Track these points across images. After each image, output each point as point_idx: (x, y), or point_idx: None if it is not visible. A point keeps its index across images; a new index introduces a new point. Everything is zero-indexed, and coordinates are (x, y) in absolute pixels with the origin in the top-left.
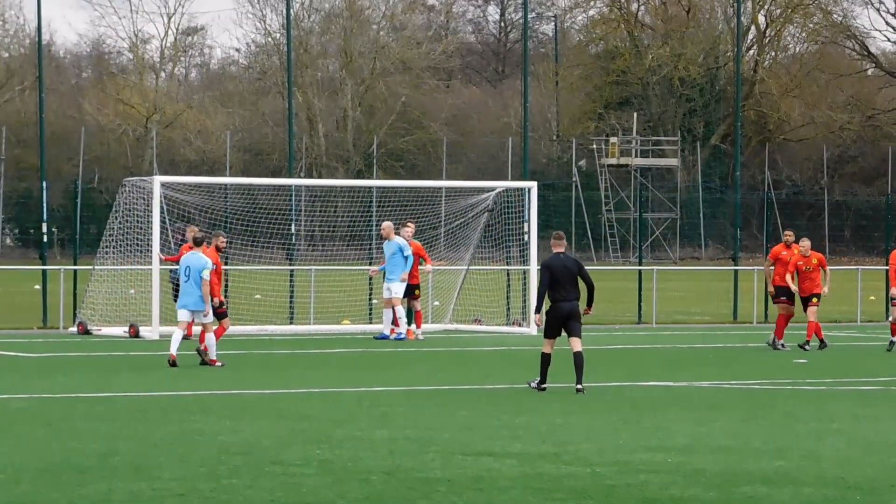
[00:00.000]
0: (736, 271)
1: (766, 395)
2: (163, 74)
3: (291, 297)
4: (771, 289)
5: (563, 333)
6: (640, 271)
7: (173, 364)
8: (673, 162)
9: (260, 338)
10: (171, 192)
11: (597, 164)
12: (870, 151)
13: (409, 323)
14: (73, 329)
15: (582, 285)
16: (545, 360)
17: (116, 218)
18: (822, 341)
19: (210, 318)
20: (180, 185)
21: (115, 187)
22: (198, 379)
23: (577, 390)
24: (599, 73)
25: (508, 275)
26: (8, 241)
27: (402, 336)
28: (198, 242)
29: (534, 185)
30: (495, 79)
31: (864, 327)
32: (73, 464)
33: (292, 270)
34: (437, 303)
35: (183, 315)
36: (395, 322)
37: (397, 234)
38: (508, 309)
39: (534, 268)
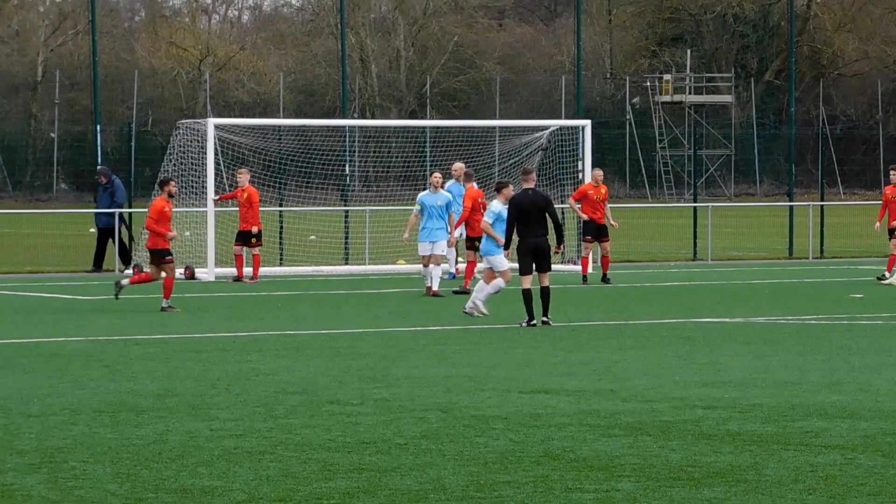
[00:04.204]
0: (791, 207)
1: (821, 329)
2: (215, 17)
3: (346, 237)
4: None
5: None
6: (694, 208)
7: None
8: (727, 98)
9: (315, 278)
10: (224, 134)
11: (650, 102)
12: None
13: None
14: (129, 272)
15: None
16: (526, 296)
17: (171, 160)
18: None
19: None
20: (234, 126)
21: (169, 130)
22: (253, 319)
23: (544, 322)
24: (653, 10)
25: (563, 213)
26: (62, 184)
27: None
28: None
29: (587, 123)
30: (548, 17)
31: None
32: (129, 404)
33: (347, 211)
34: None
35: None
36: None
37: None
38: (563, 247)
39: None
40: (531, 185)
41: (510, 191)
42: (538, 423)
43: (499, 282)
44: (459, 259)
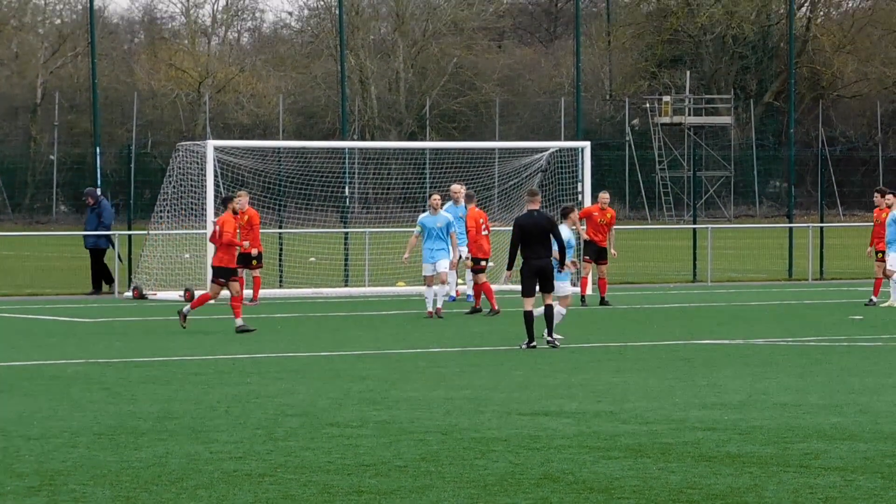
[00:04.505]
0: (791, 228)
1: (821, 351)
2: (215, 39)
3: (346, 259)
4: None
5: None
6: (694, 230)
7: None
8: (726, 120)
9: (315, 300)
10: (224, 156)
11: (650, 123)
12: None
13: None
14: (129, 294)
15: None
16: (528, 318)
17: (170, 182)
18: None
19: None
20: (234, 148)
21: (169, 152)
22: (253, 342)
23: (548, 342)
24: (652, 32)
25: None
26: (62, 207)
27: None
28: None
29: (587, 144)
30: (547, 39)
31: None
32: (129, 427)
33: (347, 233)
34: (491, 264)
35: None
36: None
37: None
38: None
39: None
40: (536, 206)
41: (577, 215)
42: (538, 446)
43: (560, 309)
44: (459, 281)
